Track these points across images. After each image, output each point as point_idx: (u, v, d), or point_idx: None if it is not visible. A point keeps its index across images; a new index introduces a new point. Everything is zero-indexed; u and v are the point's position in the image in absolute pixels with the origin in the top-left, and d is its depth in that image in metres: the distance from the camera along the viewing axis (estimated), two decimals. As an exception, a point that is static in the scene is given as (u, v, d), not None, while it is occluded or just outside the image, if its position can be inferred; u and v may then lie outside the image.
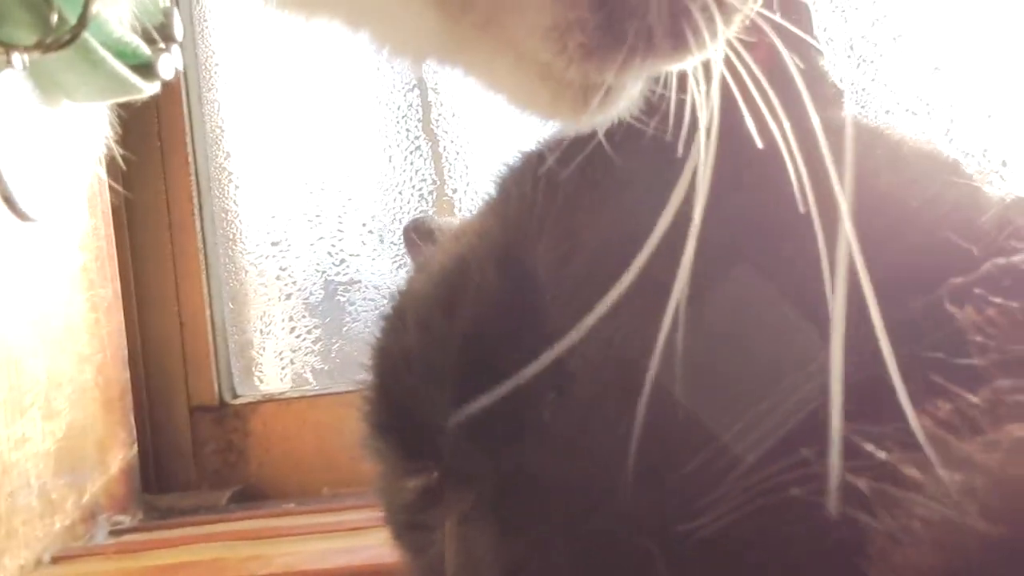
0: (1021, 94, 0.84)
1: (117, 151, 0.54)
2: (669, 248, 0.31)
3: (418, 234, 0.55)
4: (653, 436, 0.31)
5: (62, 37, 0.41)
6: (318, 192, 0.96)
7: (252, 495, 0.90)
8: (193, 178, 0.95)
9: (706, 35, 0.33)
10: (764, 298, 0.31)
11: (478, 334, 0.36)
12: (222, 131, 0.97)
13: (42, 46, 0.41)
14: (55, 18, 0.41)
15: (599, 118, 0.36)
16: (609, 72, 0.34)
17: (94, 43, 0.42)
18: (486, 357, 0.36)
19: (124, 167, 0.89)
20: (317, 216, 0.96)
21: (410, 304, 0.39)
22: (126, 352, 0.87)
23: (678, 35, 0.33)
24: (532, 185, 0.38)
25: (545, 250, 0.36)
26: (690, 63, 0.34)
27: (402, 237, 0.57)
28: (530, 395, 0.33)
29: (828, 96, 0.43)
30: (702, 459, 0.28)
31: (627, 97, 0.36)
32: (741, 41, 0.36)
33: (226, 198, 0.96)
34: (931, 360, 0.25)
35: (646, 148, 0.38)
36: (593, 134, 0.38)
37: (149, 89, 0.48)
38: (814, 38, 0.43)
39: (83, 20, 0.41)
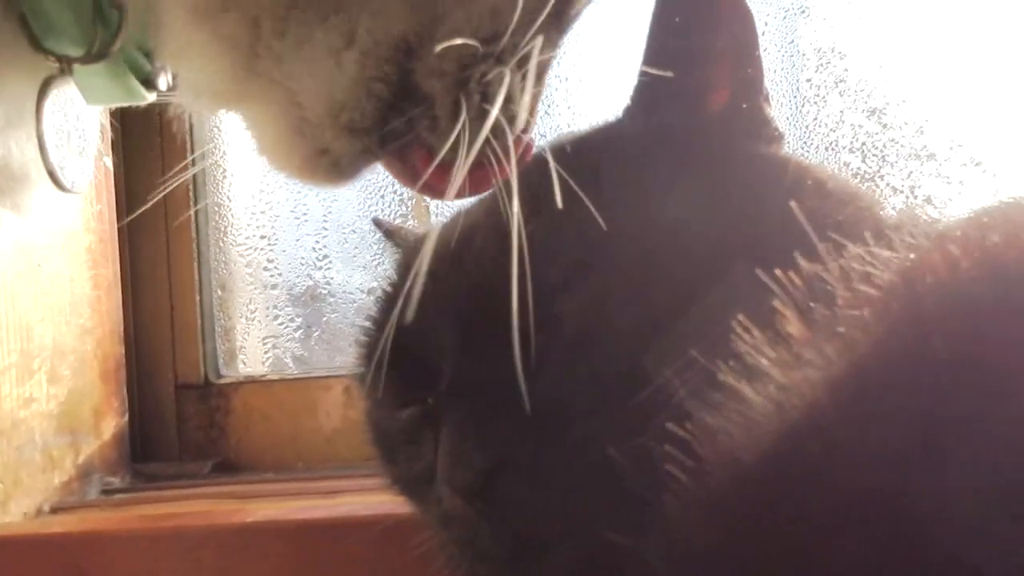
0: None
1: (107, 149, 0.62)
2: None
3: (384, 225, 0.67)
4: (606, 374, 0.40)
5: (101, 53, 0.49)
6: (306, 192, 1.04)
7: (231, 468, 0.97)
8: (190, 171, 1.02)
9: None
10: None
11: (478, 285, 0.45)
12: (219, 130, 1.04)
13: (86, 59, 0.49)
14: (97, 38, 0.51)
15: (320, 182, 0.46)
16: (351, 149, 0.43)
17: (119, 59, 0.51)
18: (483, 304, 0.44)
19: (126, 157, 0.97)
20: (304, 215, 1.04)
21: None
22: (122, 329, 0.94)
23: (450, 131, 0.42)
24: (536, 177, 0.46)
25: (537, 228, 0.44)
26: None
27: (374, 224, 0.69)
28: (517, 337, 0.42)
29: (771, 136, 0.53)
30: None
31: (353, 176, 0.46)
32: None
33: (220, 193, 1.04)
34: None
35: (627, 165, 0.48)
36: (586, 153, 0.47)
37: (149, 98, 0.57)
38: (764, 88, 0.53)
39: (115, 41, 0.50)
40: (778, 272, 0.34)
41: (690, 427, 0.31)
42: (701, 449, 0.29)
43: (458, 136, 0.41)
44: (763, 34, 0.96)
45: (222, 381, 1.00)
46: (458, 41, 0.41)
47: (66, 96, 0.52)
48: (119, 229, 0.96)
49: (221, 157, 1.04)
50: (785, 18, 0.98)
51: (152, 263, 1.00)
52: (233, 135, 1.04)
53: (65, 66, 0.50)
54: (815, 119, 0.98)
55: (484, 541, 0.46)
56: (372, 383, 0.54)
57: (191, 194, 1.02)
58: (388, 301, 0.54)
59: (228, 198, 1.04)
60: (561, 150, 0.48)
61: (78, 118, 0.55)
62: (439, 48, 0.41)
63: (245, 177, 1.04)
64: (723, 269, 0.41)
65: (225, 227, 1.03)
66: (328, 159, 0.44)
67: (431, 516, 0.51)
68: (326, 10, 0.42)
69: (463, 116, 0.41)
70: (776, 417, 0.28)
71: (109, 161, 0.89)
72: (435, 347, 0.47)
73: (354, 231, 1.03)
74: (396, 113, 0.43)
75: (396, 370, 0.51)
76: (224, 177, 1.04)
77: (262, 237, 1.04)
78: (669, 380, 0.38)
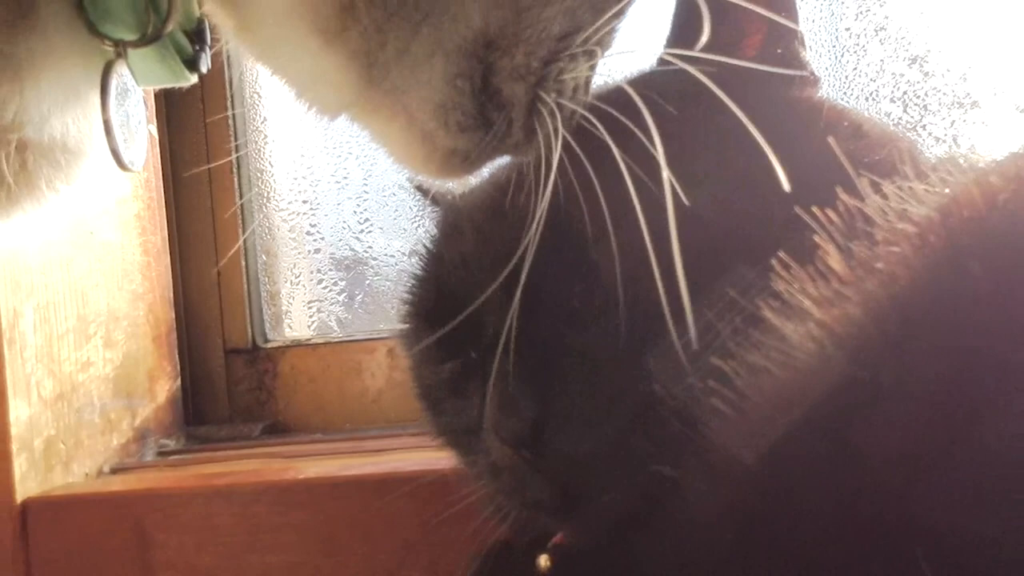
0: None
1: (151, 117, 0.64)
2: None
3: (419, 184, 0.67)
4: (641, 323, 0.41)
5: (154, 36, 0.52)
6: (346, 157, 1.05)
7: (280, 430, 0.99)
8: (232, 140, 1.03)
9: (551, 132, 0.44)
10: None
11: (521, 239, 0.46)
12: (260, 97, 1.05)
13: (139, 42, 0.52)
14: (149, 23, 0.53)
15: (459, 178, 0.48)
16: (474, 145, 0.45)
17: (167, 42, 0.53)
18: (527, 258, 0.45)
19: (170, 125, 0.99)
20: (344, 179, 1.05)
21: (465, 217, 0.49)
22: (172, 294, 0.96)
23: (530, 131, 0.45)
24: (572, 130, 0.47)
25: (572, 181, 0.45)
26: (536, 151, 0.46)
27: (410, 183, 0.70)
28: (561, 284, 0.43)
29: (806, 80, 0.53)
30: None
31: (486, 165, 0.48)
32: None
33: (262, 159, 1.05)
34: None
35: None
36: (621, 102, 0.48)
37: (192, 79, 0.58)
38: (799, 31, 0.53)
39: (166, 25, 0.53)
40: (816, 210, 0.34)
41: (733, 364, 0.31)
42: (743, 384, 0.30)
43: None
44: (801, -17, 0.94)
45: (269, 345, 1.02)
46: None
47: (123, 79, 0.55)
48: (165, 197, 0.98)
49: (262, 123, 1.05)
50: (823, -34, 0.97)
51: (199, 231, 1.02)
52: (273, 101, 1.05)
53: (121, 49, 0.52)
54: (855, 68, 0.97)
55: (533, 489, 0.47)
56: (416, 338, 0.55)
57: (234, 161, 1.04)
58: (431, 258, 0.55)
59: (270, 164, 1.05)
60: (597, 100, 0.48)
61: (132, 100, 0.57)
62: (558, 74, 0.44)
63: (286, 143, 1.06)
64: (758, 212, 0.41)
65: (268, 193, 1.05)
66: (459, 157, 0.46)
67: (479, 467, 0.51)
68: (416, 20, 0.44)
69: (546, 120, 0.44)
70: (816, 353, 0.28)
71: (154, 129, 0.91)
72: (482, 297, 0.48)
73: (394, 195, 1.04)
74: (483, 120, 0.45)
75: (440, 325, 0.52)
76: (265, 143, 1.05)
77: (304, 202, 1.05)
78: (712, 321, 0.39)
